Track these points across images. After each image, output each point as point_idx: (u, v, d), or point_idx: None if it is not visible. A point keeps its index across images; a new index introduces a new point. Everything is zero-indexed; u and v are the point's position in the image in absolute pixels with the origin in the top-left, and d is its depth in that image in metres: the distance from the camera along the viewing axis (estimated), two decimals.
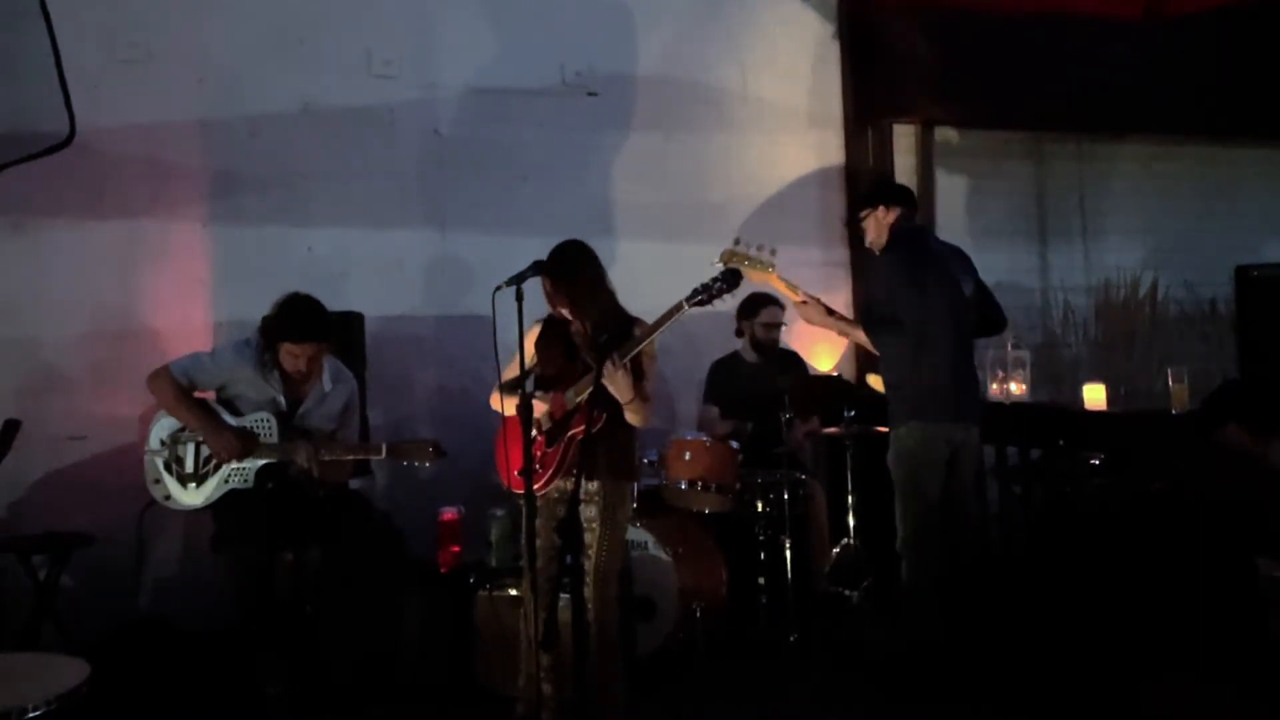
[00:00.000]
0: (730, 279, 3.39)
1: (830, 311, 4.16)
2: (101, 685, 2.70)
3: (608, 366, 3.32)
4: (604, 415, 3.40)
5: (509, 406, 3.51)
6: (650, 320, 3.45)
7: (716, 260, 4.01)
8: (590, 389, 3.36)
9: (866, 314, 4.35)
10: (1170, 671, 1.81)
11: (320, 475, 3.94)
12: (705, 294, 3.38)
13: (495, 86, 5.42)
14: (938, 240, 4.38)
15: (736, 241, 4.03)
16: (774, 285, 4.09)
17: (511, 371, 3.64)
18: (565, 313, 3.53)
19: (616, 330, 3.47)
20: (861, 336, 4.15)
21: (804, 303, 4.14)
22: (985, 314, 4.30)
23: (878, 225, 4.25)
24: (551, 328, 3.62)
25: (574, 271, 3.51)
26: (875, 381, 4.40)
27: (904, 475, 4.06)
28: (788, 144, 6.11)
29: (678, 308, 3.38)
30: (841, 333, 4.25)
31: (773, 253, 3.99)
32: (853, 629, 4.78)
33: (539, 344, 3.63)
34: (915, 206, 4.36)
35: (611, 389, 3.36)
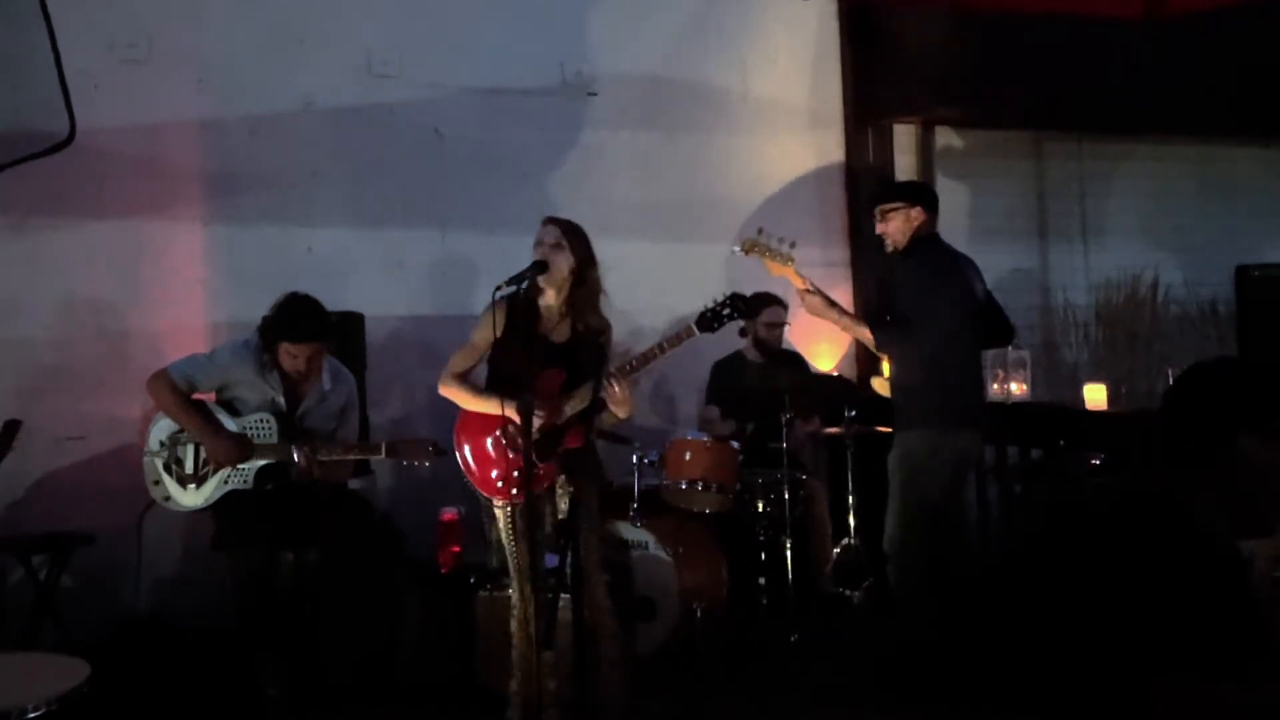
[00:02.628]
0: (741, 306, 3.37)
1: (832, 304, 4.11)
2: (101, 685, 2.69)
3: (618, 392, 3.32)
4: (593, 429, 3.39)
5: (502, 408, 3.36)
6: (617, 324, 3.48)
7: (737, 248, 4.01)
8: (588, 403, 3.34)
9: (878, 314, 4.30)
10: (1172, 672, 1.77)
11: (320, 475, 3.94)
12: (716, 320, 3.37)
13: (495, 86, 5.42)
14: (952, 246, 4.31)
15: (759, 231, 4.00)
16: (789, 277, 4.04)
17: (464, 360, 3.58)
18: (557, 268, 3.47)
19: (595, 326, 3.48)
20: (864, 333, 4.11)
21: (809, 292, 4.07)
22: (992, 324, 4.26)
23: (906, 224, 4.14)
24: (515, 318, 3.49)
25: (587, 238, 3.56)
26: (880, 385, 4.34)
27: (905, 478, 4.03)
28: (788, 143, 6.11)
29: (688, 332, 3.38)
30: (844, 327, 4.19)
31: (792, 246, 3.96)
32: (854, 629, 4.78)
33: (505, 335, 3.46)
34: (937, 215, 4.26)
35: (615, 408, 3.36)
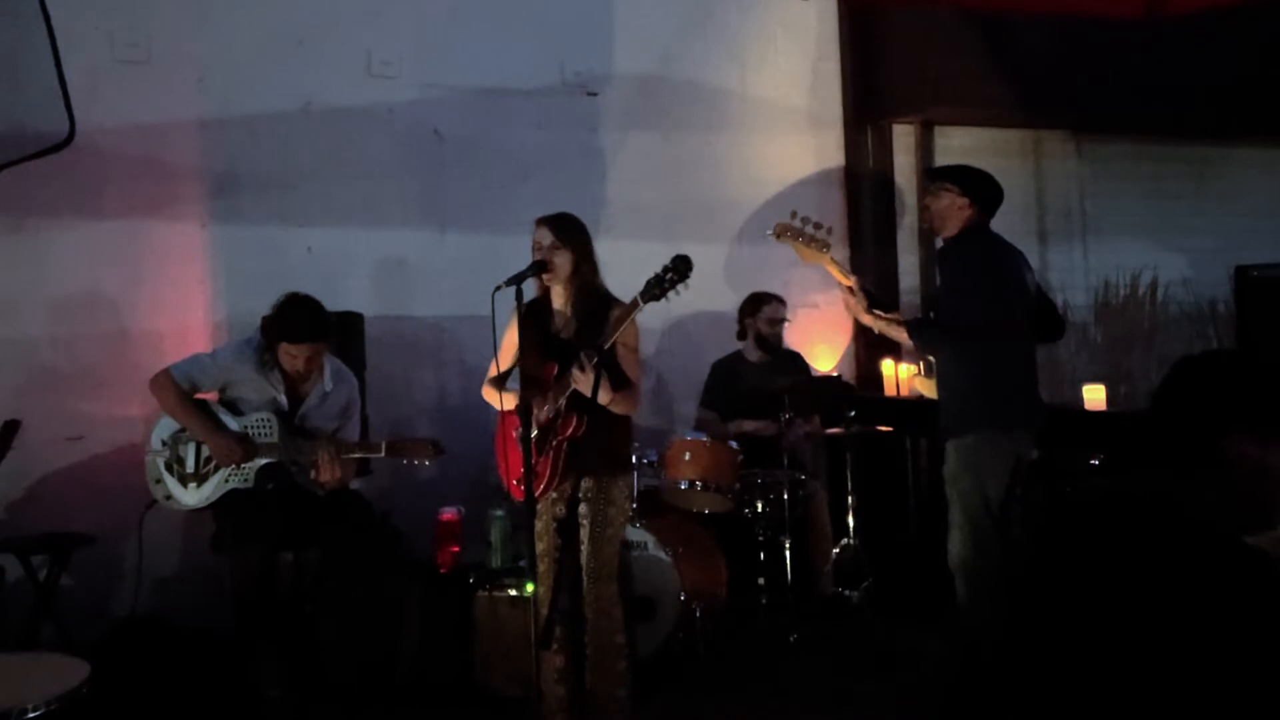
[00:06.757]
0: (680, 267, 3.21)
1: (873, 305, 3.88)
2: (101, 685, 2.69)
3: (575, 373, 3.27)
4: (586, 417, 3.36)
5: (506, 402, 3.50)
6: (628, 300, 3.39)
7: (770, 233, 3.87)
8: (568, 393, 3.35)
9: (931, 310, 4.02)
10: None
11: (328, 477, 3.94)
12: (658, 286, 3.23)
13: (495, 86, 5.42)
14: (1001, 237, 4.04)
15: (793, 215, 3.81)
16: (826, 267, 3.85)
17: (496, 364, 3.63)
18: (560, 267, 3.47)
19: (599, 309, 3.44)
20: (904, 336, 3.88)
21: (850, 291, 3.87)
22: (1044, 318, 4.05)
23: (951, 209, 3.88)
24: (529, 321, 3.55)
25: (582, 230, 3.53)
26: (923, 386, 4.18)
27: (969, 488, 3.77)
28: (788, 144, 6.11)
29: (633, 304, 3.28)
30: (882, 332, 3.93)
31: (829, 232, 3.77)
32: (853, 629, 4.78)
33: (520, 339, 3.59)
34: (992, 215, 3.98)
35: (586, 393, 3.29)
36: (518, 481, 3.52)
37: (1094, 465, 4.70)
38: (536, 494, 3.41)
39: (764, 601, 4.74)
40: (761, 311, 5.27)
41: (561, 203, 4.83)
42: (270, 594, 3.92)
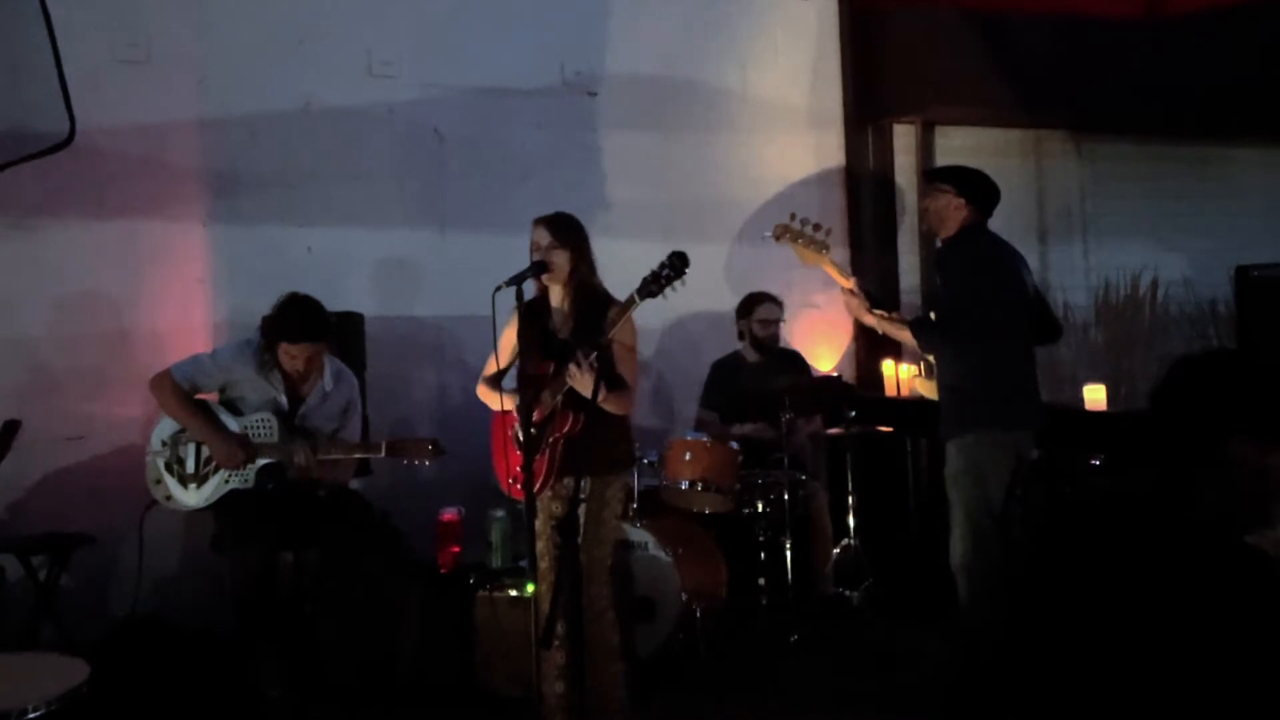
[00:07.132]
0: (676, 264, 3.19)
1: (874, 306, 3.89)
2: (101, 685, 2.69)
3: (572, 369, 3.27)
4: (583, 415, 3.36)
5: (500, 403, 3.50)
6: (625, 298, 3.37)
7: (769, 235, 3.87)
8: (564, 391, 3.35)
9: (931, 310, 4.04)
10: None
11: (320, 475, 3.94)
12: (655, 283, 3.21)
13: (495, 86, 5.42)
14: (1000, 237, 4.05)
15: (792, 217, 3.82)
16: (825, 269, 3.86)
17: (492, 363, 3.63)
18: (557, 267, 3.47)
19: (596, 308, 3.44)
20: (907, 336, 3.89)
21: (851, 292, 3.87)
22: (1041, 319, 4.03)
23: (947, 209, 3.89)
24: (527, 320, 3.54)
25: (579, 229, 3.54)
26: (923, 387, 4.17)
27: (969, 488, 3.77)
28: (788, 144, 6.11)
29: (630, 301, 3.28)
30: (884, 332, 3.93)
31: (828, 233, 3.77)
32: (853, 629, 4.78)
33: (519, 337, 3.58)
34: (989, 215, 4.00)
35: (581, 391, 3.29)
36: (513, 480, 3.53)
37: (1094, 465, 4.69)
38: (535, 490, 3.41)
39: (764, 602, 4.74)
40: (755, 313, 5.27)
41: (561, 203, 4.84)
42: (270, 594, 3.92)
